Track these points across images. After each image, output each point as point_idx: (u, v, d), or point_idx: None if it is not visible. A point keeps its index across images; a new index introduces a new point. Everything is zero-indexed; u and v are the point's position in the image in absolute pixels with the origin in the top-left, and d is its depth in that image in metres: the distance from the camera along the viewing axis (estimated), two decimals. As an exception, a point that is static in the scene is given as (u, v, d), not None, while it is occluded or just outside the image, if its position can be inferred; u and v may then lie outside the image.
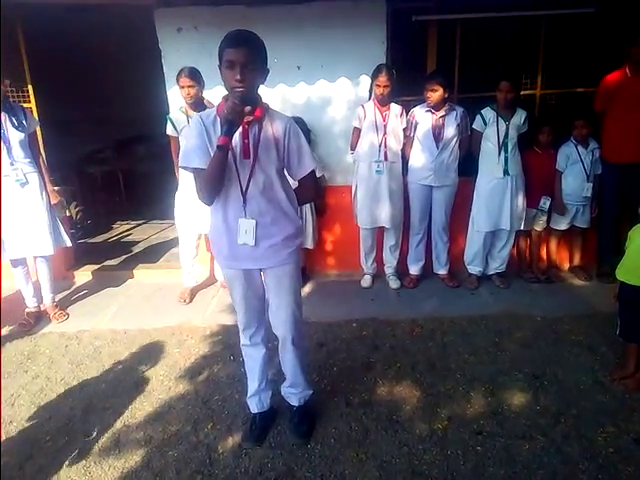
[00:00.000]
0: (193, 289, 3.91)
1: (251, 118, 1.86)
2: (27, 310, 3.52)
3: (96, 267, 4.42)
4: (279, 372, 2.48)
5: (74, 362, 3.02)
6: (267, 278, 2.12)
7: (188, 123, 3.43)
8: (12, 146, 3.17)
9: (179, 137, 3.48)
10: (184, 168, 1.96)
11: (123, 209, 6.21)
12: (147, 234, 5.43)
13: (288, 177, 2.05)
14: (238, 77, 1.75)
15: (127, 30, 4.84)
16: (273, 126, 1.92)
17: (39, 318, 3.55)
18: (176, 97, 3.73)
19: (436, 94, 3.41)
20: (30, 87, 3.99)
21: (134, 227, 5.76)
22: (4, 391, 2.75)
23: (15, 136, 3.17)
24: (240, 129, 1.86)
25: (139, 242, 5.18)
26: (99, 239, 5.39)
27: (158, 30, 3.73)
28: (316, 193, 2.15)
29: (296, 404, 2.36)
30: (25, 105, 3.75)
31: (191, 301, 3.83)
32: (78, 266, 4.41)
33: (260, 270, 2.10)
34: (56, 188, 3.61)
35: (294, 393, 2.36)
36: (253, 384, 2.32)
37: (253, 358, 2.29)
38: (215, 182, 1.87)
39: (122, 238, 5.42)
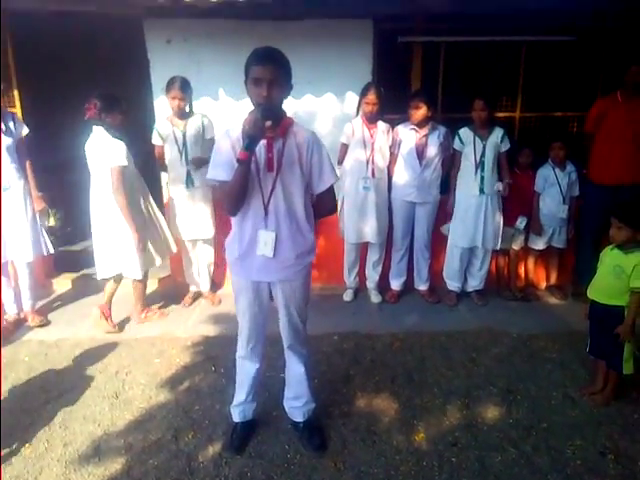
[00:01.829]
0: (196, 293, 3.97)
1: (273, 133, 1.91)
2: (6, 317, 3.49)
3: (75, 275, 4.39)
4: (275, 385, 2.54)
5: (53, 370, 3.00)
6: (276, 290, 2.15)
7: (172, 132, 3.53)
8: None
9: (164, 145, 3.57)
10: (211, 180, 2.01)
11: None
12: (129, 242, 5.39)
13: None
14: (265, 94, 1.82)
15: (115, 39, 4.86)
16: (297, 140, 1.97)
17: (18, 325, 3.53)
18: (163, 106, 3.77)
19: (419, 112, 3.52)
20: (16, 92, 3.99)
21: (116, 234, 5.72)
22: (-19, 398, 2.73)
23: (2, 141, 3.17)
24: (265, 143, 1.91)
25: (121, 250, 5.15)
26: (79, 247, 5.34)
27: (147, 41, 3.77)
28: (334, 207, 2.19)
29: (301, 419, 2.39)
30: (10, 110, 3.74)
31: (191, 304, 3.90)
32: (57, 274, 4.37)
33: (269, 283, 2.13)
34: (40, 194, 3.60)
35: (297, 407, 2.38)
36: (240, 395, 2.35)
37: (246, 370, 2.32)
38: (238, 194, 1.92)
39: (104, 245, 5.38)
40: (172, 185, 3.67)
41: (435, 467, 2.21)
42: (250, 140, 1.80)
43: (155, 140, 3.61)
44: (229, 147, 1.94)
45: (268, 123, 1.83)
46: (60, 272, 4.40)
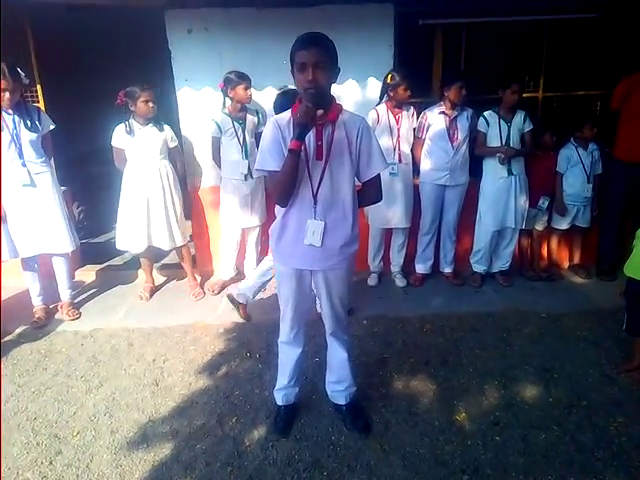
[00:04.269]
0: (225, 282, 3.99)
1: (322, 120, 1.89)
2: (35, 309, 3.54)
3: (97, 267, 4.43)
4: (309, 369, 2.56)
5: (92, 360, 3.05)
6: (317, 278, 2.14)
7: (232, 124, 3.56)
8: (23, 146, 3.18)
9: (221, 137, 3.61)
10: (259, 170, 2.01)
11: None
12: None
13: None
14: (310, 77, 1.80)
15: (135, 31, 4.86)
16: (346, 127, 1.95)
17: (50, 315, 3.58)
18: (187, 97, 3.77)
19: (462, 93, 3.52)
20: (39, 87, 4.00)
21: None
22: (25, 388, 2.78)
23: (27, 136, 3.19)
24: (314, 131, 1.90)
25: (142, 242, 5.19)
26: (101, 239, 5.38)
27: (168, 31, 3.76)
28: (380, 196, 2.14)
29: (343, 402, 2.41)
30: (35, 105, 3.75)
31: (219, 292, 3.92)
32: (79, 266, 4.41)
33: (311, 271, 2.14)
34: (63, 188, 3.63)
35: (340, 390, 2.41)
36: (283, 379, 2.38)
37: (288, 355, 2.34)
38: (288, 184, 1.91)
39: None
40: (229, 176, 3.68)
41: (480, 446, 2.24)
42: (301, 129, 1.80)
43: (215, 132, 3.61)
44: (277, 136, 1.93)
45: (320, 111, 1.81)
46: (82, 265, 4.43)
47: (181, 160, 3.80)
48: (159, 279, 4.21)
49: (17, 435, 2.41)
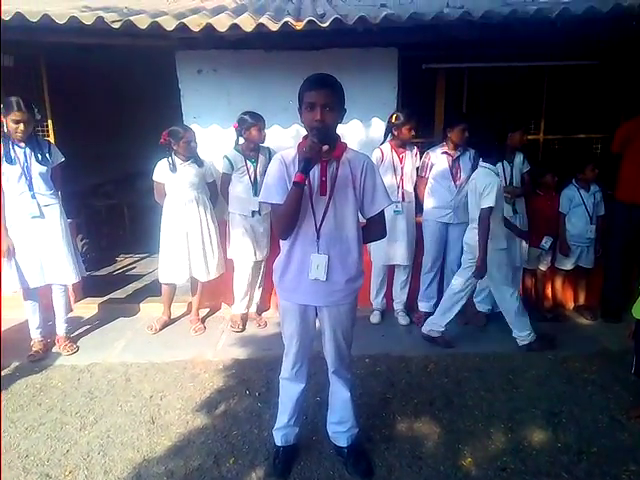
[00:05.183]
0: (242, 316, 3.95)
1: (327, 157, 1.93)
2: (32, 343, 3.49)
3: (99, 300, 4.40)
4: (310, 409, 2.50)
5: (87, 395, 2.98)
6: (321, 314, 2.13)
7: (245, 162, 3.62)
8: (34, 179, 3.22)
9: (232, 175, 3.65)
10: (263, 203, 2.03)
11: (127, 242, 6.22)
12: (151, 267, 5.41)
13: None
14: (318, 117, 1.85)
15: (146, 70, 5.02)
16: (351, 164, 1.99)
17: (47, 349, 3.52)
18: (201, 135, 3.83)
19: (465, 135, 3.61)
20: (50, 122, 4.09)
21: (138, 260, 5.75)
22: (18, 424, 2.71)
23: (37, 169, 3.23)
24: (319, 167, 1.93)
25: (144, 275, 5.17)
26: (103, 272, 5.38)
27: (179, 71, 3.87)
28: (384, 232, 2.15)
29: (345, 445, 2.35)
30: (45, 139, 3.83)
31: (244, 329, 3.89)
32: (80, 298, 4.39)
33: (316, 307, 2.12)
34: (69, 220, 3.65)
35: (342, 432, 2.35)
36: (283, 417, 2.32)
37: (289, 392, 2.29)
38: (290, 217, 1.93)
39: (126, 271, 5.41)
40: (237, 211, 3.70)
41: (487, 493, 2.16)
42: (306, 162, 1.83)
43: (226, 169, 3.66)
44: (282, 171, 1.97)
45: (325, 147, 1.85)
46: (83, 297, 4.41)
47: (215, 193, 3.83)
48: (160, 312, 4.14)
49: (7, 473, 2.33)
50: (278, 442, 2.35)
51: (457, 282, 3.47)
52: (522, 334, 3.45)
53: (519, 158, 3.74)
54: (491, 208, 3.21)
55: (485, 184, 3.24)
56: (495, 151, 3.40)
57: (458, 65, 3.95)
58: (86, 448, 2.50)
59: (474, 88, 4.12)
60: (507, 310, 3.49)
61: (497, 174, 3.37)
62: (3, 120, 3.11)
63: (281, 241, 2.08)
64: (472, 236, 3.35)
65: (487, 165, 3.34)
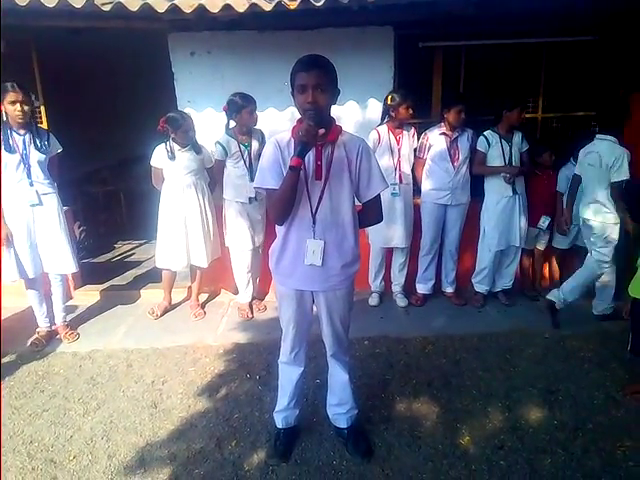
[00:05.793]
0: (250, 304, 3.95)
1: (322, 141, 1.90)
2: (39, 330, 3.51)
3: (100, 287, 4.40)
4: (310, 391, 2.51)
5: (90, 382, 3.01)
6: (319, 299, 2.13)
7: (239, 148, 3.54)
8: (32, 167, 3.20)
9: (226, 160, 3.58)
10: (258, 188, 2.02)
11: (125, 229, 6.21)
12: (150, 254, 5.40)
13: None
14: (310, 99, 1.81)
15: (139, 53, 4.94)
16: (346, 148, 1.96)
17: (51, 338, 3.54)
18: (195, 119, 3.76)
19: (462, 116, 3.56)
20: (42, 108, 4.04)
21: (136, 247, 5.74)
22: (21, 410, 2.74)
23: (35, 157, 3.21)
24: (314, 151, 1.91)
25: (143, 262, 5.17)
26: (102, 259, 5.38)
27: (171, 54, 3.82)
28: (380, 217, 2.13)
29: (345, 426, 2.38)
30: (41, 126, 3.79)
31: (253, 316, 3.88)
32: (79, 286, 4.39)
33: (312, 292, 2.12)
34: (65, 208, 3.63)
35: (342, 413, 2.37)
36: (283, 400, 2.34)
37: (288, 376, 2.31)
38: (286, 202, 1.91)
39: (125, 258, 5.41)
40: (233, 198, 3.64)
41: (485, 471, 2.19)
42: (303, 146, 1.80)
43: (220, 155, 3.57)
44: (277, 155, 1.94)
45: (321, 130, 1.83)
46: (83, 285, 4.42)
47: (213, 179, 3.77)
48: (160, 298, 4.16)
49: (12, 459, 2.37)
50: (279, 424, 2.38)
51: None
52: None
53: (518, 137, 3.70)
54: (624, 181, 3.14)
55: (615, 157, 3.17)
56: (614, 122, 3.30)
57: (455, 43, 3.89)
58: (89, 433, 2.53)
59: (472, 66, 4.07)
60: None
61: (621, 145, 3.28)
62: (1, 107, 3.07)
63: (277, 226, 2.07)
64: (598, 216, 3.31)
65: (609, 137, 3.27)
